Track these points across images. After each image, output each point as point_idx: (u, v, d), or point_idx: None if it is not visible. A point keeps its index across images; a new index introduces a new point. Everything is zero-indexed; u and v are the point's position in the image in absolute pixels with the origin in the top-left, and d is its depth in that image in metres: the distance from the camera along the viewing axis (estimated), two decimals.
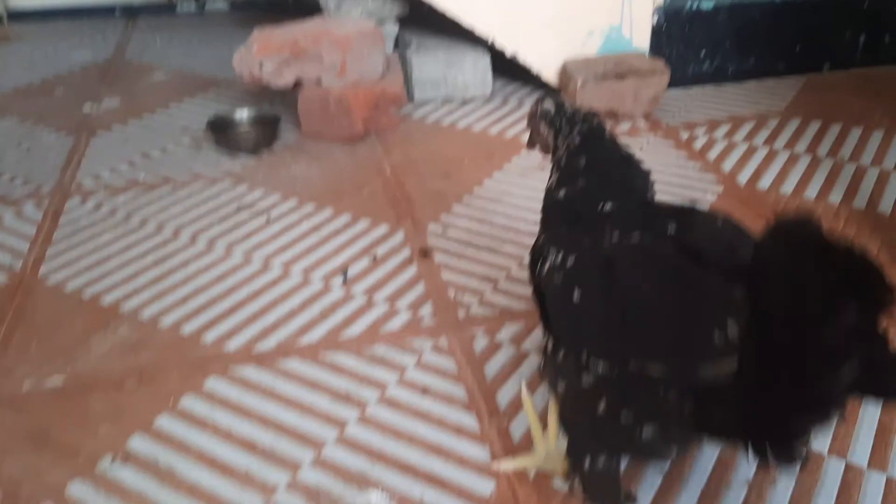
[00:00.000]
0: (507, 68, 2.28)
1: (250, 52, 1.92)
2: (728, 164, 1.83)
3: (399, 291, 1.40)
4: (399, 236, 1.58)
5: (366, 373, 1.21)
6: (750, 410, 0.75)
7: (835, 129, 2.00)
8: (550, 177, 1.05)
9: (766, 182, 1.75)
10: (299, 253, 1.53)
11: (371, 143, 2.00)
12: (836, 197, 1.67)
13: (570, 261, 0.89)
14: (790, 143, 1.92)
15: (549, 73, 2.20)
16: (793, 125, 2.03)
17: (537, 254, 0.98)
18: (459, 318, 1.33)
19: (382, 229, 1.60)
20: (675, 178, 1.76)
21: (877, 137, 1.94)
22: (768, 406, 0.73)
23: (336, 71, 1.91)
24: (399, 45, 2.29)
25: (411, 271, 1.46)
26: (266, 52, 1.91)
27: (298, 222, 1.64)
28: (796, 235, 0.70)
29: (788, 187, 1.72)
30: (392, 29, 2.22)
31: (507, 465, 1.04)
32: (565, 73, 2.14)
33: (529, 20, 2.11)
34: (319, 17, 2.13)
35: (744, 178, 1.77)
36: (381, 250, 1.53)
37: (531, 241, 1.52)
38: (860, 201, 1.65)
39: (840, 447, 1.05)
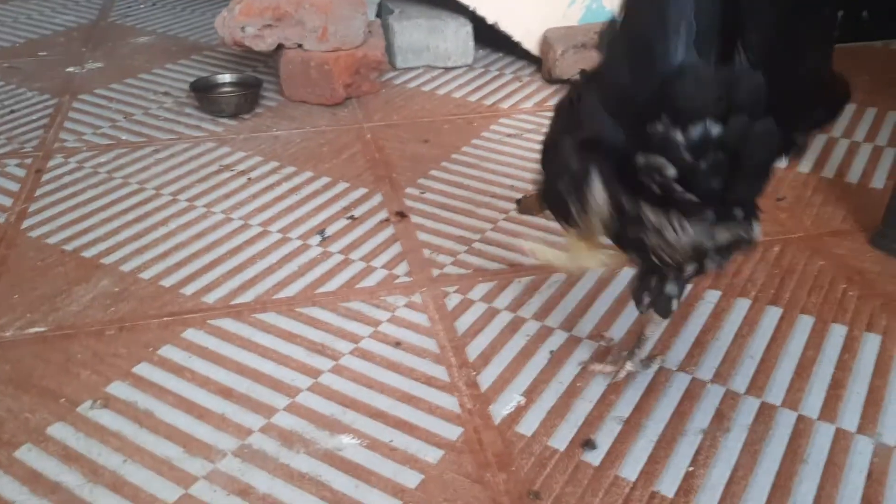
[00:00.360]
0: (490, 37, 2.30)
1: (232, 16, 1.93)
2: None
3: (375, 251, 1.44)
4: (377, 198, 1.61)
5: (341, 326, 1.24)
6: None
7: None
8: None
9: None
10: (278, 213, 1.56)
11: (352, 108, 2.02)
12: (805, 167, 1.71)
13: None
14: None
15: (531, 43, 2.22)
16: None
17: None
18: (433, 276, 1.36)
19: (361, 191, 1.63)
20: None
21: (849, 111, 1.99)
22: None
23: (317, 35, 1.93)
24: (381, 11, 2.30)
25: (388, 232, 1.50)
26: (248, 16, 1.92)
27: (278, 183, 1.67)
28: None
29: None
30: None
31: (537, 249, 1.16)
32: (546, 42, 2.16)
33: None
34: None
35: None
36: (358, 211, 1.56)
37: (507, 206, 1.57)
38: (829, 171, 1.70)
39: (793, 400, 1.10)
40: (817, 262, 1.38)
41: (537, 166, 1.06)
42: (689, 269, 0.97)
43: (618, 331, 1.23)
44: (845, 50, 2.38)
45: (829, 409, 1.08)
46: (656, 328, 1.11)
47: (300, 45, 1.97)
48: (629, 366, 1.13)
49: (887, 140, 1.83)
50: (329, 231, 1.49)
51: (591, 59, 2.05)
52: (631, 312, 1.26)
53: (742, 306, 1.27)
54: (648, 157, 0.82)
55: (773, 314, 1.25)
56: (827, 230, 1.48)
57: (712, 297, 1.30)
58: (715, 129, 0.78)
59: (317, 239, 1.47)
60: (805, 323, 1.24)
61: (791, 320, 1.24)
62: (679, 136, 0.79)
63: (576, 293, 1.31)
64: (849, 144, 1.81)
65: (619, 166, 0.87)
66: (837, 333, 1.21)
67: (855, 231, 1.48)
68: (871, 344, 1.19)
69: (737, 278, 1.34)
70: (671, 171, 0.81)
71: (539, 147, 1.05)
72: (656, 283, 1.01)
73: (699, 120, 0.78)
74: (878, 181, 1.65)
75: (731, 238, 0.91)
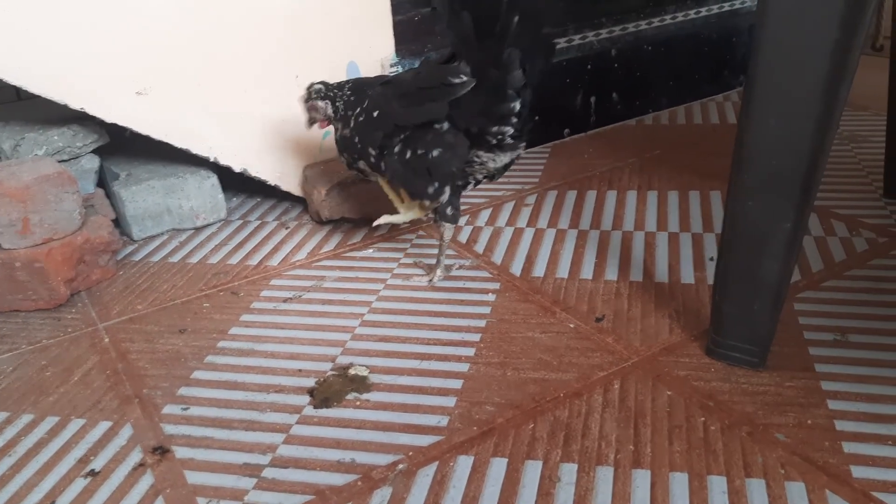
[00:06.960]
0: (244, 182, 2.01)
1: None
2: (498, 255, 1.69)
3: None
4: (125, 432, 1.22)
5: None
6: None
7: (591, 196, 1.95)
8: (339, 130, 1.58)
9: (539, 269, 1.62)
10: None
11: (82, 306, 1.61)
12: (611, 273, 1.57)
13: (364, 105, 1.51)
14: (553, 220, 1.83)
15: (290, 184, 1.96)
16: (551, 198, 1.95)
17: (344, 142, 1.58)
18: None
19: (102, 427, 1.23)
20: (447, 283, 1.58)
21: (632, 197, 1.92)
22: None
23: (17, 230, 1.52)
24: (105, 177, 1.93)
25: (145, 483, 1.11)
26: None
27: None
28: None
29: (563, 270, 1.60)
30: (91, 163, 1.85)
31: (385, 219, 1.55)
32: (307, 182, 1.91)
33: (252, 130, 1.87)
34: None
35: (517, 267, 1.63)
36: (101, 460, 1.16)
37: (300, 400, 1.25)
38: (636, 273, 1.57)
39: None
40: (664, 392, 1.21)
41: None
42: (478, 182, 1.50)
43: None
44: (604, 134, 2.37)
45: None
46: (448, 233, 1.53)
47: None
48: (438, 272, 1.58)
49: (677, 224, 1.76)
50: None
51: (359, 195, 1.99)
52: None
53: (605, 479, 1.05)
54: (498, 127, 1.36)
55: (642, 482, 1.04)
56: (659, 347, 1.32)
57: (569, 474, 1.06)
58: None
59: None
60: (679, 483, 1.03)
61: (664, 485, 1.03)
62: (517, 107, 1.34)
63: None
64: (644, 237, 1.72)
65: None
66: (718, 489, 1.02)
67: (686, 341, 1.33)
68: (757, 493, 1.01)
69: (587, 439, 1.12)
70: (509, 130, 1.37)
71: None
72: (455, 200, 1.50)
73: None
74: (686, 275, 1.55)
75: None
